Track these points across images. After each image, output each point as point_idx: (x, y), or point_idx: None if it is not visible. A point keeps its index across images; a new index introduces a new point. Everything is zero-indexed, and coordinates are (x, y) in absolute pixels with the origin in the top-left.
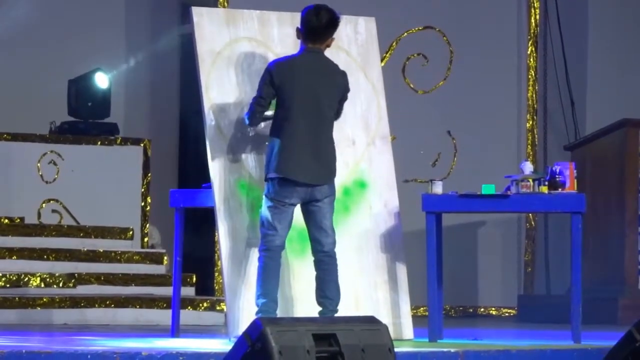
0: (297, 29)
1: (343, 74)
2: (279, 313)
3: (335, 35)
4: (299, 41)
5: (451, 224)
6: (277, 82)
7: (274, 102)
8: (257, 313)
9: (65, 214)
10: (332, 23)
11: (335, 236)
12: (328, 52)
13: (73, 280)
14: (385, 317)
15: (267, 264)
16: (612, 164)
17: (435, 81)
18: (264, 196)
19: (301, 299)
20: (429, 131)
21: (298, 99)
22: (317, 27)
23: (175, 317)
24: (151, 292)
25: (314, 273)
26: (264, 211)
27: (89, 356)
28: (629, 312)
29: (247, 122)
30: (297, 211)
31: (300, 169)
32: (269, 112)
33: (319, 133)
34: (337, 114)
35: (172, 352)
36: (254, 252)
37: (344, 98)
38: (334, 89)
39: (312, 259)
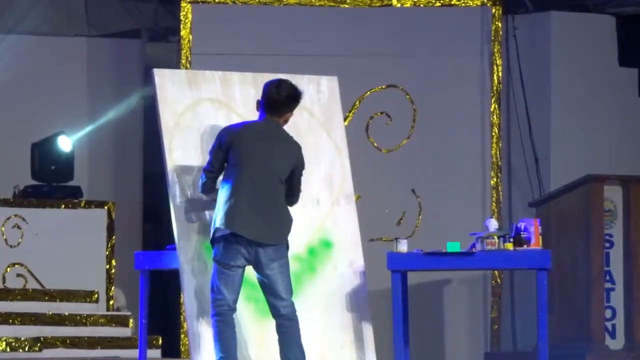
0: (257, 101)
1: (297, 146)
2: None
3: None
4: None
5: (417, 282)
6: (226, 143)
7: None
8: None
9: (30, 278)
10: (293, 98)
11: (292, 297)
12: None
13: (39, 344)
14: None
15: (220, 327)
16: (577, 220)
17: (399, 140)
18: (212, 260)
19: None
20: (393, 190)
21: (246, 158)
22: (276, 100)
23: None
24: (117, 354)
25: None
26: (213, 275)
27: None
28: None
29: (200, 189)
30: None
31: (242, 222)
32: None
33: (266, 193)
34: (292, 192)
35: None
36: None
37: (297, 171)
38: (286, 155)
39: None
